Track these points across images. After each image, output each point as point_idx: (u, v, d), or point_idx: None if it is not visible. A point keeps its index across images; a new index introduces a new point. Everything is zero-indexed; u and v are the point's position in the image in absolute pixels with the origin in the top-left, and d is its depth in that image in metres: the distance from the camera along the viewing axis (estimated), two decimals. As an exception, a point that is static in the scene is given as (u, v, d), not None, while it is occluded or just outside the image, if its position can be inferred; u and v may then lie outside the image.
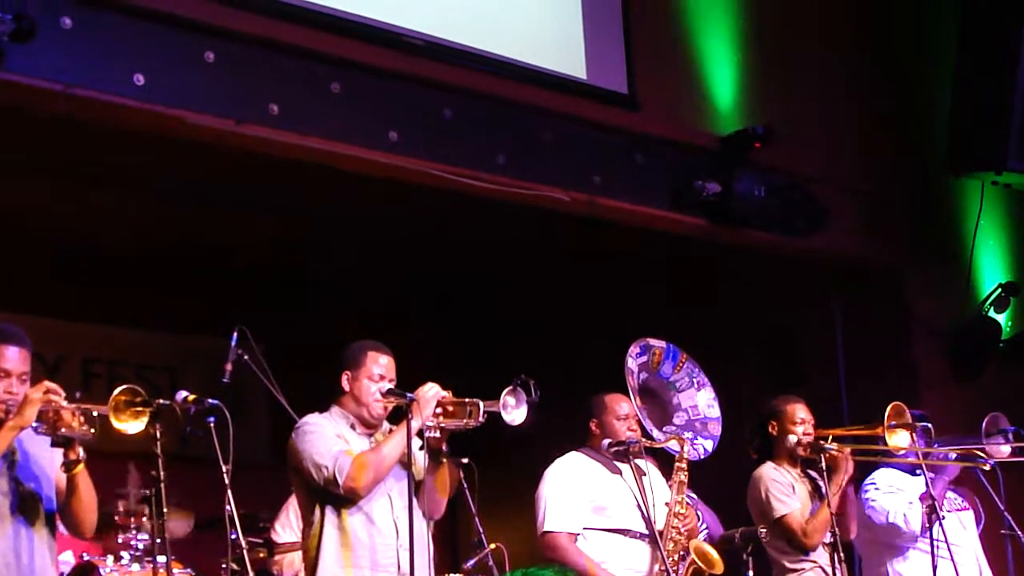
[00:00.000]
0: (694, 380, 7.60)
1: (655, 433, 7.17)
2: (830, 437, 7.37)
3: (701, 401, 7.58)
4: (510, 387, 6.08)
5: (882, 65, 10.04)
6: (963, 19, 10.04)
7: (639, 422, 7.11)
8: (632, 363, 7.35)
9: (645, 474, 7.06)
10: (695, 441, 7.39)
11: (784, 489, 7.27)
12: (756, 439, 7.52)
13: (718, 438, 7.48)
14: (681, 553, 6.95)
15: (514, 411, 6.08)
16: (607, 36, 8.61)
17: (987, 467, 7.61)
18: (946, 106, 10.01)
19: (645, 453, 7.15)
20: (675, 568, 6.85)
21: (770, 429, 7.46)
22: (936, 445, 7.67)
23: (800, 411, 7.43)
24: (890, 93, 10.03)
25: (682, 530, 6.98)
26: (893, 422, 7.27)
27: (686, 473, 7.08)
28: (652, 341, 7.52)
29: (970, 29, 10.00)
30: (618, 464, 7.06)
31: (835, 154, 9.56)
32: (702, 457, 7.38)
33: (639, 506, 6.96)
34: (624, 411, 7.10)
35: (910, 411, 7.40)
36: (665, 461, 7.25)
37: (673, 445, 7.14)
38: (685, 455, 7.11)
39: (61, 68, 6.36)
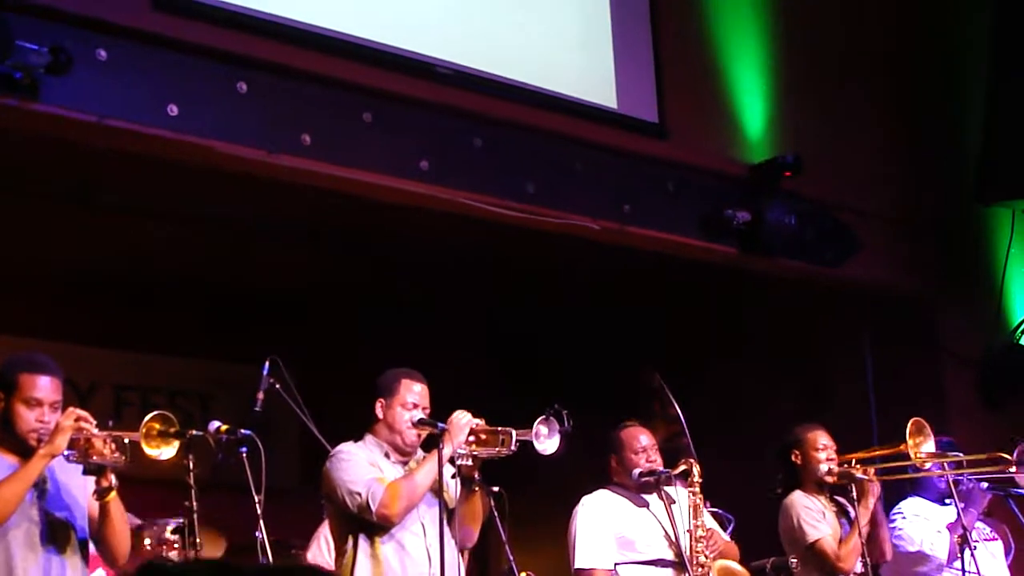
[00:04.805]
0: None
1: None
2: (853, 461, 7.36)
3: None
4: (543, 416, 6.09)
5: (911, 93, 10.04)
6: (993, 47, 10.04)
7: (659, 451, 7.14)
8: None
9: (675, 501, 7.08)
10: None
11: (815, 515, 7.24)
12: (780, 471, 7.49)
13: None
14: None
15: (547, 440, 6.09)
16: (637, 65, 8.64)
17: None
18: (976, 134, 9.99)
19: (675, 479, 7.16)
20: None
21: (793, 458, 7.42)
22: (965, 474, 7.64)
23: (822, 438, 7.40)
24: (920, 121, 10.03)
25: (707, 553, 6.98)
26: (915, 439, 7.24)
27: (700, 497, 7.07)
28: None
29: (1000, 57, 9.99)
30: (645, 496, 7.09)
31: (865, 182, 9.55)
32: None
33: (667, 535, 6.98)
34: (642, 444, 7.12)
35: (937, 438, 7.38)
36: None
37: (682, 470, 7.13)
38: (696, 479, 7.10)
39: (96, 99, 6.42)
